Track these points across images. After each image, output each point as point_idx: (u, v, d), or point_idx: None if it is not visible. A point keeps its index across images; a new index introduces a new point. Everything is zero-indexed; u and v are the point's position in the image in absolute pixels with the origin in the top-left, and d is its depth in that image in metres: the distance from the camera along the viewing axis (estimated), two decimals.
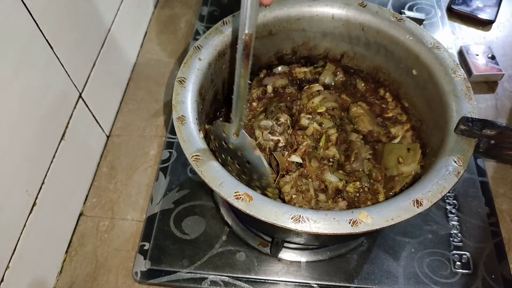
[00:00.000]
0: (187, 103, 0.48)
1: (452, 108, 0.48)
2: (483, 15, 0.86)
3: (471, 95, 0.49)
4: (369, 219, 0.39)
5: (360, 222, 0.39)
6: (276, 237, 0.55)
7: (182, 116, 0.47)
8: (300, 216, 0.39)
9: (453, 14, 0.88)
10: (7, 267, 0.47)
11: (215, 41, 0.54)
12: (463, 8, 0.87)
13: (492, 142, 0.43)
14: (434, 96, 0.52)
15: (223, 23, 0.56)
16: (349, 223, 0.39)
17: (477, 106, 0.73)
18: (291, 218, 0.39)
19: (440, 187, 0.42)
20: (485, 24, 0.87)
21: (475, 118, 0.45)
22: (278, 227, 0.39)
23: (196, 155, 0.43)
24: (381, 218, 0.40)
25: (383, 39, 0.57)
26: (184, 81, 0.50)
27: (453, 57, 0.53)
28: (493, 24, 0.87)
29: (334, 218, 0.40)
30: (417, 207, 0.40)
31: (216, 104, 0.59)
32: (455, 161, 0.43)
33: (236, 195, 0.41)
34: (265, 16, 0.58)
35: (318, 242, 0.56)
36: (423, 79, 0.54)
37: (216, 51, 0.54)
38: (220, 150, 0.49)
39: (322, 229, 0.39)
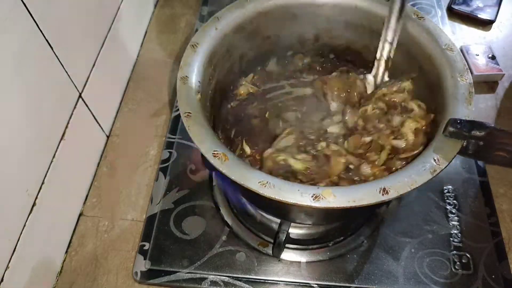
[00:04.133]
0: (194, 66, 0.50)
1: (448, 110, 0.48)
2: (483, 15, 0.86)
3: (471, 101, 0.49)
4: (332, 197, 0.40)
5: (322, 198, 0.40)
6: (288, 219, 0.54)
7: (186, 76, 0.49)
8: (267, 182, 0.41)
9: (453, 14, 0.88)
10: (7, 267, 0.47)
11: (235, 13, 0.55)
12: (463, 8, 0.87)
13: (481, 143, 0.42)
14: (437, 97, 0.52)
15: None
16: (311, 196, 0.40)
17: (477, 106, 0.74)
18: (259, 183, 0.41)
19: (411, 180, 0.42)
20: (486, 24, 0.87)
21: (463, 120, 0.44)
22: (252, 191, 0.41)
23: (188, 112, 0.45)
24: (344, 198, 0.40)
25: (404, 38, 0.57)
26: (196, 45, 0.52)
27: (464, 60, 0.52)
28: (493, 24, 0.87)
29: (298, 190, 0.41)
30: (382, 194, 0.41)
31: (232, 76, 0.60)
32: (435, 160, 0.43)
33: (214, 153, 0.42)
34: None
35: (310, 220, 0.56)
36: (432, 79, 0.54)
37: (235, 23, 0.55)
38: None
39: (282, 197, 0.40)
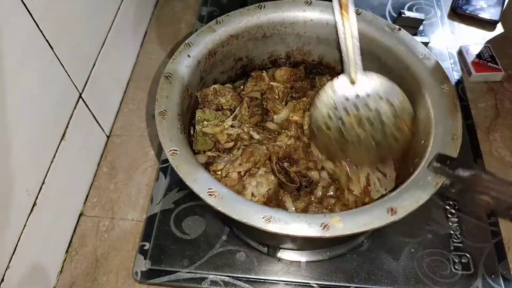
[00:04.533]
0: (172, 98, 0.49)
1: (433, 124, 0.48)
2: (487, 16, 0.86)
3: (457, 111, 0.49)
4: (341, 224, 0.39)
5: (331, 226, 0.39)
6: (262, 241, 0.54)
7: (165, 110, 0.47)
8: (271, 216, 0.40)
9: (456, 15, 0.88)
10: (8, 267, 0.47)
11: (206, 39, 0.55)
12: (467, 9, 0.87)
13: (465, 185, 0.41)
14: (420, 110, 0.52)
15: (217, 22, 0.56)
16: (321, 226, 0.39)
17: (477, 106, 0.74)
18: (263, 218, 0.39)
19: (416, 196, 0.42)
20: (490, 24, 0.86)
21: (450, 157, 0.43)
22: (251, 226, 0.40)
23: (174, 150, 0.44)
24: (353, 223, 0.40)
25: (377, 48, 0.57)
26: (170, 76, 0.50)
27: (442, 68, 0.53)
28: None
29: (306, 221, 0.40)
30: (391, 215, 0.40)
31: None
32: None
33: (210, 192, 0.41)
34: (260, 18, 0.58)
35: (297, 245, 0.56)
36: (414, 90, 0.54)
37: (207, 49, 0.54)
38: (334, 115, 0.52)
39: (291, 231, 0.39)
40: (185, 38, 0.85)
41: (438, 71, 0.52)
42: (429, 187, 0.42)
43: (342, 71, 0.56)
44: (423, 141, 0.48)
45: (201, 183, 0.42)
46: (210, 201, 0.41)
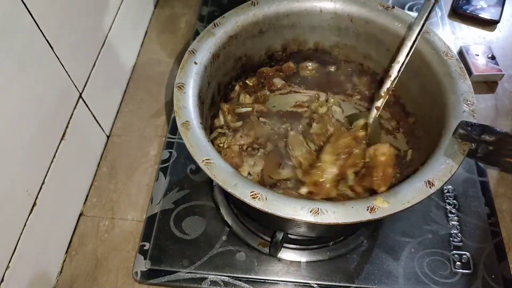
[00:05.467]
0: (190, 108, 0.48)
1: (447, 89, 0.49)
2: (488, 15, 0.86)
3: (465, 75, 0.50)
4: (386, 204, 0.40)
5: (377, 208, 0.40)
6: (284, 231, 0.54)
7: (187, 121, 0.47)
8: (318, 208, 0.40)
9: (457, 15, 0.88)
10: (7, 267, 0.47)
11: (208, 44, 0.55)
12: (467, 9, 0.87)
13: (491, 148, 0.42)
14: (428, 80, 0.53)
15: (214, 25, 0.56)
16: (367, 210, 0.40)
17: (477, 106, 0.74)
18: (310, 212, 0.40)
19: (448, 166, 0.43)
20: (490, 24, 0.86)
21: (474, 123, 0.44)
22: (296, 220, 0.40)
23: (206, 159, 0.44)
24: (397, 202, 0.41)
25: (373, 29, 0.58)
26: (183, 86, 0.50)
27: (443, 40, 0.54)
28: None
29: (352, 207, 0.41)
30: (430, 187, 0.42)
31: (213, 107, 0.59)
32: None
33: (253, 195, 0.41)
34: (255, 14, 0.58)
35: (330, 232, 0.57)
36: (416, 64, 0.54)
37: (211, 53, 0.55)
38: None
39: (342, 219, 0.40)
40: (185, 38, 0.85)
41: (440, 43, 0.53)
42: (458, 155, 0.43)
43: (340, 57, 0.60)
44: (437, 112, 0.50)
45: (242, 188, 0.42)
46: (255, 203, 0.41)
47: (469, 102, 0.48)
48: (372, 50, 0.61)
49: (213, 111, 0.60)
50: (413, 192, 0.42)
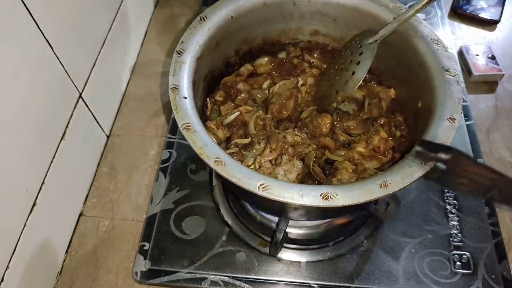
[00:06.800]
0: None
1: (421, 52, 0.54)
2: (488, 15, 0.86)
3: (440, 40, 0.54)
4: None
5: (389, 184, 0.41)
6: (282, 215, 0.54)
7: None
8: (328, 193, 0.41)
9: (457, 15, 0.88)
10: (7, 267, 0.47)
11: (185, 72, 0.53)
12: (467, 9, 0.87)
13: (444, 168, 0.42)
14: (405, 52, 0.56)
15: (179, 53, 0.54)
16: (379, 186, 0.41)
17: (477, 106, 0.74)
18: (321, 196, 0.41)
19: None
20: (490, 24, 0.86)
21: (431, 142, 0.44)
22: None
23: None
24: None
25: (316, 5, 0.61)
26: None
27: (417, 17, 0.57)
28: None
29: (361, 186, 0.42)
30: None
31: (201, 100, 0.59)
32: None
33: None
34: (209, 29, 0.56)
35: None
36: (391, 39, 0.56)
37: (191, 82, 0.53)
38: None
39: (356, 200, 0.41)
40: None
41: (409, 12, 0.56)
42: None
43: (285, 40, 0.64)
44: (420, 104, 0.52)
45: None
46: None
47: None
48: (319, 26, 0.63)
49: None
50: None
